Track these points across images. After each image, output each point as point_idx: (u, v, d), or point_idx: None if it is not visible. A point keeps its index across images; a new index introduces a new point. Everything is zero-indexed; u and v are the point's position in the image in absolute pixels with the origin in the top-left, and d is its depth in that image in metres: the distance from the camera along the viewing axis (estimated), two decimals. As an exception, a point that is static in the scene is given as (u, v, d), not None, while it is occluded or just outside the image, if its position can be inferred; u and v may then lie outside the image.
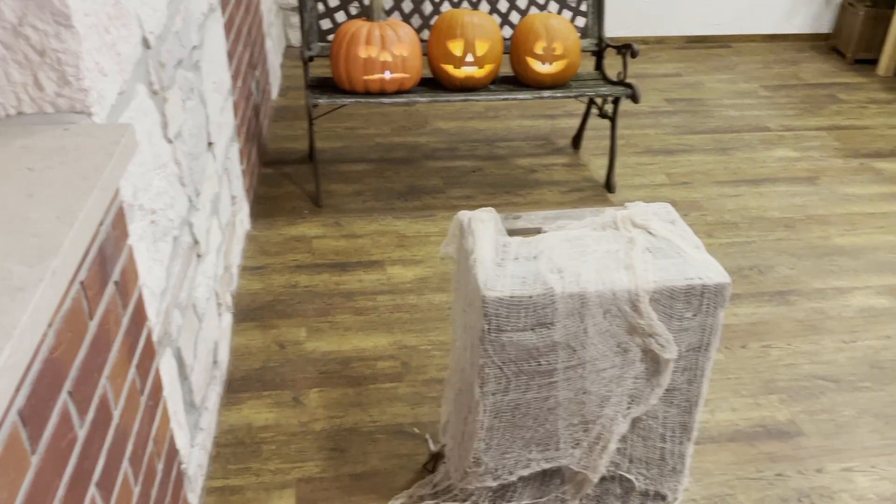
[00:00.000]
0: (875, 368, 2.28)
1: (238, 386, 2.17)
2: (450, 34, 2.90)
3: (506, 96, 2.94)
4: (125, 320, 1.31)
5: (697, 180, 3.32)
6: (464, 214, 1.72)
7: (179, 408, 1.73)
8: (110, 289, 1.24)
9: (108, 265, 1.22)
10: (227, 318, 2.34)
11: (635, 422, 1.68)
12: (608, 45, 3.19)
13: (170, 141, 1.73)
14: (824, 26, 5.04)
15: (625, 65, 3.08)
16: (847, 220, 3.05)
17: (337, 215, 3.00)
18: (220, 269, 2.26)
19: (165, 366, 1.62)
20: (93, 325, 1.15)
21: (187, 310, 1.84)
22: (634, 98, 2.99)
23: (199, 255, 1.99)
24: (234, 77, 2.69)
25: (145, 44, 1.59)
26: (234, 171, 2.61)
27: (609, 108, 3.20)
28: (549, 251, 1.59)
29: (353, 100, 2.87)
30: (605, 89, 3.02)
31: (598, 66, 3.27)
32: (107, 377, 1.20)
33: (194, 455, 1.80)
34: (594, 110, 3.35)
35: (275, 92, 4.00)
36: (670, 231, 1.67)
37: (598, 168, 3.39)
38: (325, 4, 3.09)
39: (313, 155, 3.40)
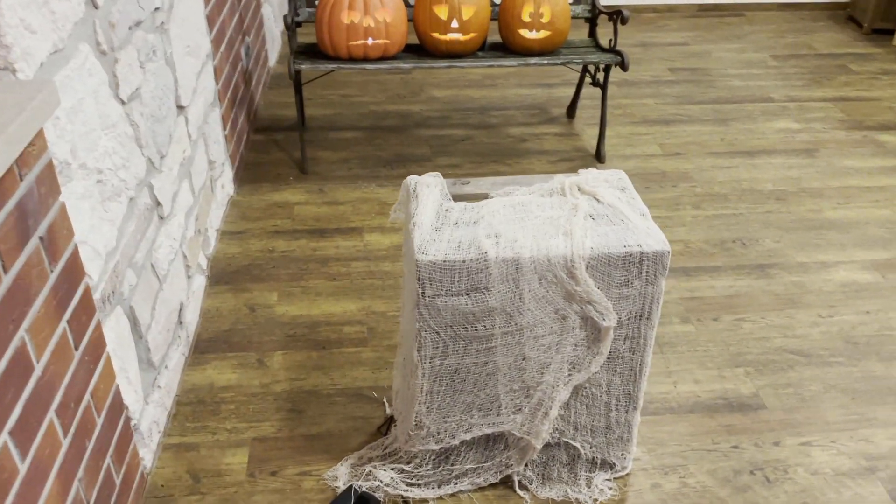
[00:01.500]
0: (849, 343, 2.24)
1: (205, 347, 2.20)
2: (435, 0, 2.87)
3: (490, 63, 2.90)
4: (53, 276, 1.33)
5: (691, 151, 3.26)
6: (411, 179, 1.72)
7: (133, 365, 1.76)
8: (32, 244, 1.26)
9: (28, 220, 1.24)
10: (200, 281, 2.37)
11: (578, 389, 1.67)
12: (601, 12, 3.13)
13: (123, 102, 1.75)
14: (843, -5, 4.89)
15: (615, 31, 3.02)
16: (842, 193, 2.97)
17: (321, 182, 3.00)
18: (191, 231, 2.28)
19: (113, 323, 1.65)
20: (7, 279, 1.17)
21: (144, 270, 1.86)
22: (623, 66, 2.93)
23: (161, 217, 2.02)
24: (216, 42, 2.69)
25: (92, 3, 1.60)
26: (213, 135, 2.62)
27: (602, 76, 3.14)
28: (489, 216, 1.58)
29: (335, 66, 2.86)
30: (594, 56, 2.96)
31: (592, 34, 3.22)
32: (26, 329, 1.23)
33: (149, 412, 1.84)
34: (588, 79, 3.29)
35: (273, 59, 4.00)
36: (618, 198, 1.65)
37: (590, 138, 3.34)
38: (314, -31, 3.07)
39: (304, 122, 3.41)
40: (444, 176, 3.02)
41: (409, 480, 1.76)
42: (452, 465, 1.76)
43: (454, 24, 2.87)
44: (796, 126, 3.47)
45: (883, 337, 2.26)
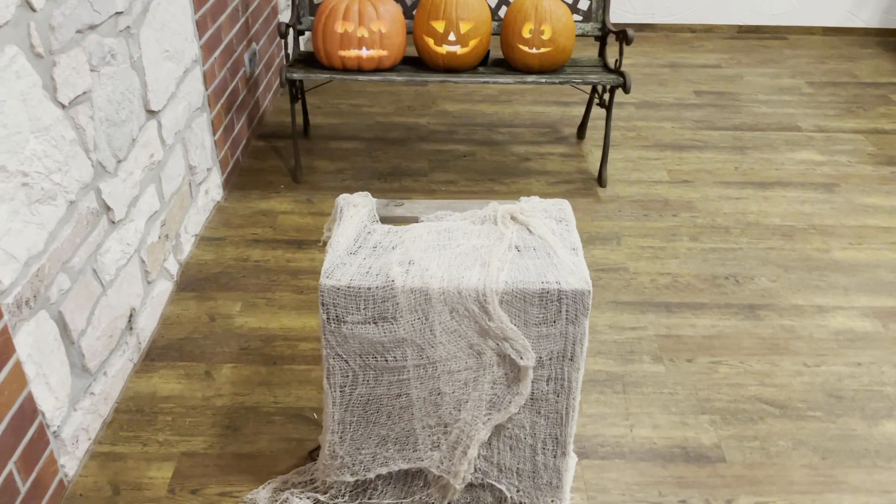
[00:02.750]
0: (832, 397, 2.07)
1: (156, 354, 2.18)
2: (433, 12, 2.81)
3: (486, 79, 2.82)
4: (-58, 279, 1.31)
5: (700, 179, 3.10)
6: (342, 198, 1.65)
7: (57, 370, 1.74)
8: (-88, 247, 1.24)
9: None
10: (164, 286, 2.36)
11: (500, 429, 1.58)
12: (609, 31, 3.01)
13: (63, 105, 1.73)
14: (895, 21, 4.62)
15: (620, 52, 2.90)
16: (856, 232, 2.78)
17: (311, 192, 2.97)
18: (154, 237, 2.27)
19: (32, 328, 1.63)
20: None
21: (82, 274, 1.85)
22: (625, 88, 2.81)
23: (112, 222, 2.00)
24: (207, 48, 2.69)
25: (28, 5, 1.59)
26: (196, 140, 2.61)
27: (608, 97, 3.03)
28: (410, 242, 1.51)
29: (328, 76, 2.82)
30: (595, 77, 2.85)
31: (601, 53, 3.10)
32: None
33: (75, 418, 1.81)
34: (596, 99, 3.18)
35: (290, 65, 4.00)
36: (551, 230, 1.55)
37: (596, 160, 3.22)
38: (318, -23, 3.05)
39: (307, 130, 3.39)
40: (438, 193, 2.95)
41: (325, 511, 1.69)
42: (370, 498, 1.68)
43: (451, 37, 2.80)
44: (819, 158, 3.28)
45: (871, 392, 2.09)
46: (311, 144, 3.32)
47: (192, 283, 2.46)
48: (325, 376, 1.52)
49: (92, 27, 1.85)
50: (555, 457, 1.62)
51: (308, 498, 1.71)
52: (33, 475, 1.63)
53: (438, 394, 1.52)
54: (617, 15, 4.58)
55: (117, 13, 1.98)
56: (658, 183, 3.07)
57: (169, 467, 1.84)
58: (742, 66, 4.21)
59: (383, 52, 2.81)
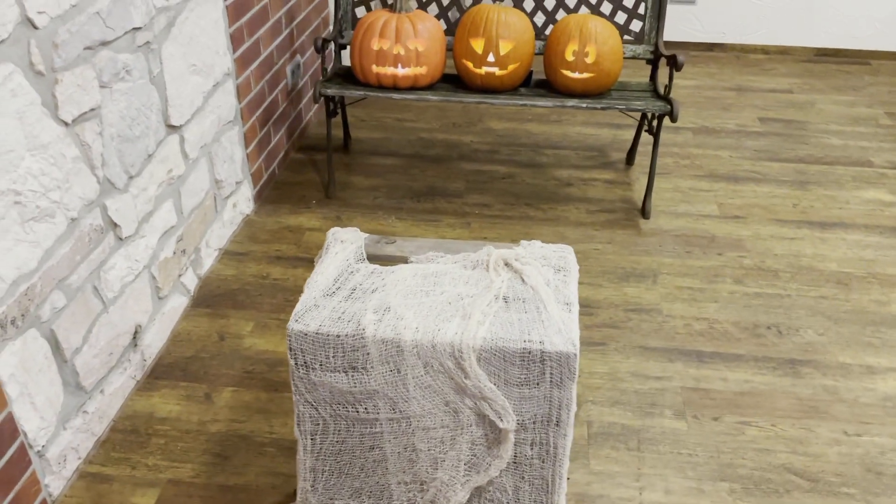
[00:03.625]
0: (870, 472, 1.87)
1: (161, 372, 2.15)
2: (473, 31, 2.71)
3: (524, 102, 2.70)
4: None
5: (753, 215, 2.90)
6: (331, 232, 1.58)
7: (48, 389, 1.73)
8: None
9: None
10: (179, 301, 2.33)
11: (480, 492, 1.47)
12: (661, 55, 2.85)
13: (66, 123, 1.72)
14: None
15: (670, 77, 2.74)
16: (922, 284, 2.54)
17: (342, 209, 2.91)
18: (168, 252, 2.25)
19: (18, 347, 1.61)
20: None
21: (81, 292, 1.83)
22: (671, 116, 2.65)
23: (120, 238, 1.98)
24: (242, 61, 2.66)
25: (29, 23, 1.57)
26: (224, 154, 2.59)
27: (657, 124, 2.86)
28: (392, 286, 1.42)
29: (362, 92, 2.76)
30: (640, 103, 2.69)
31: (653, 77, 2.94)
32: None
33: (64, 438, 1.79)
34: (646, 126, 3.01)
35: (341, 76, 3.97)
36: (545, 282, 1.43)
37: (642, 189, 3.06)
38: (362, -9, 3.00)
39: (347, 144, 3.35)
40: (470, 216, 2.85)
41: (298, 557, 1.62)
42: (344, 549, 1.60)
43: (490, 58, 2.69)
44: (890, 198, 3.02)
45: (917, 471, 1.88)
46: (350, 159, 3.27)
47: (209, 298, 2.43)
48: (295, 423, 1.44)
49: (104, 43, 1.83)
50: (541, 524, 1.49)
51: (283, 542, 1.63)
52: (10, 496, 1.62)
53: (413, 450, 1.42)
54: (683, 33, 4.38)
55: (134, 29, 1.96)
56: (706, 217, 2.89)
57: (153, 494, 1.80)
58: (815, 93, 3.94)
59: (420, 70, 2.73)
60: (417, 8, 2.92)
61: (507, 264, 1.47)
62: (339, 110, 3.04)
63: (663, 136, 3.46)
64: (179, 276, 2.34)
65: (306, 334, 1.33)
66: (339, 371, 1.35)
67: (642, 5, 2.89)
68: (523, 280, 1.44)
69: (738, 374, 2.17)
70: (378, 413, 1.39)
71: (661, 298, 2.46)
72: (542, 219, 2.87)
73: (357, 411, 1.39)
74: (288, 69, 3.15)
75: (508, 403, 1.34)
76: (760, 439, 1.96)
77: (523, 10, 2.95)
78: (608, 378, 2.15)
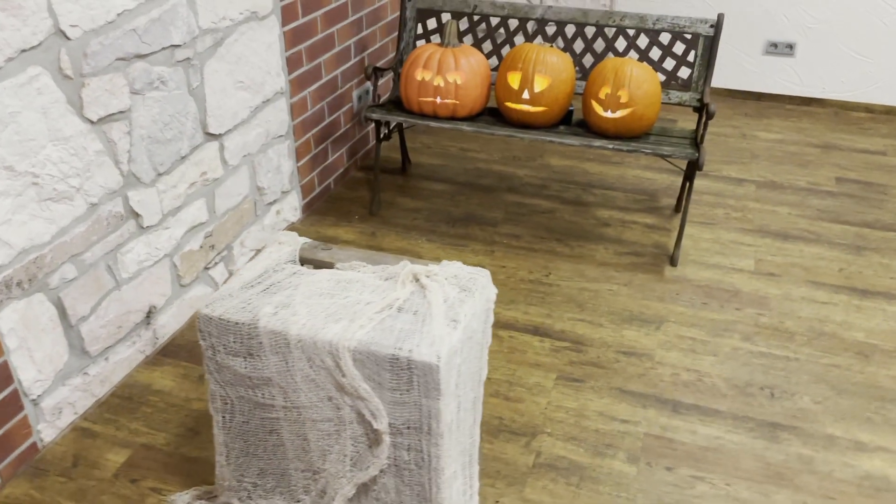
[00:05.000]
0: (816, 549, 1.77)
1: (169, 351, 2.39)
2: (511, 66, 2.81)
3: (553, 139, 2.76)
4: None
5: (790, 275, 2.78)
6: (273, 235, 1.74)
7: (51, 348, 1.99)
8: None
9: None
10: (203, 291, 2.58)
11: (367, 489, 1.56)
12: (706, 104, 2.81)
13: (91, 121, 2.00)
14: None
15: (704, 126, 2.70)
16: (956, 366, 2.34)
17: (379, 226, 3.09)
18: (195, 246, 2.50)
19: (22, 306, 1.89)
20: None
21: (94, 268, 2.10)
22: (698, 164, 2.62)
23: (142, 227, 2.25)
24: (299, 83, 2.91)
25: (62, 35, 1.86)
26: (269, 165, 2.84)
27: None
28: (305, 286, 1.55)
29: (403, 118, 2.93)
30: (668, 149, 2.68)
31: (698, 125, 2.90)
32: None
33: (61, 392, 2.06)
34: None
35: (422, 105, 4.17)
36: (444, 298, 1.51)
37: (683, 238, 3.01)
38: (425, 26, 3.18)
39: (406, 167, 3.53)
40: (497, 244, 2.93)
41: (219, 527, 1.77)
42: (256, 526, 1.73)
43: (525, 94, 2.78)
44: (954, 273, 2.80)
45: (869, 556, 1.76)
46: (404, 181, 3.44)
47: (233, 293, 2.66)
48: (209, 400, 1.60)
49: (139, 56, 2.12)
50: (424, 531, 1.56)
51: (210, 511, 1.79)
52: (0, 431, 1.89)
53: (305, 439, 1.54)
54: (780, 85, 4.23)
55: (173, 46, 2.23)
56: (738, 271, 2.80)
57: (125, 454, 2.02)
58: (912, 157, 3.69)
59: (457, 102, 2.86)
60: (471, 45, 3.06)
61: (416, 279, 1.56)
62: (390, 135, 3.23)
63: (720, 186, 3.38)
64: (206, 268, 2.59)
65: (211, 318, 1.49)
66: (239, 356, 1.50)
67: (692, 53, 2.87)
68: (424, 294, 1.53)
69: (710, 429, 2.11)
70: (274, 400, 1.52)
71: (658, 345, 2.43)
72: (567, 255, 2.90)
73: (256, 396, 1.53)
74: (354, 94, 3.38)
75: (382, 406, 1.43)
76: (708, 496, 1.91)
77: (573, 51, 3.02)
78: (573, 414, 2.16)
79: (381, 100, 3.63)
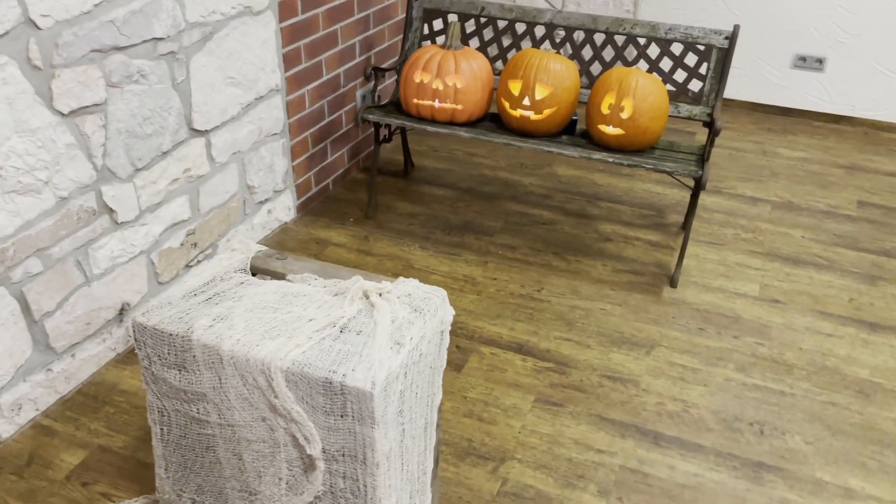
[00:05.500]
0: None
1: (142, 350, 2.34)
2: (513, 72, 2.72)
3: (552, 149, 2.66)
4: None
5: (796, 302, 2.64)
6: (225, 242, 1.66)
7: (11, 343, 1.95)
8: None
9: None
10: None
11: (303, 515, 1.48)
12: (713, 119, 2.68)
13: (62, 113, 1.95)
14: None
15: (710, 142, 2.57)
16: (965, 412, 2.19)
17: (373, 230, 3.01)
18: (175, 243, 2.45)
19: (-20, 300, 1.85)
20: None
21: (61, 262, 2.05)
22: (700, 182, 2.49)
23: (116, 222, 2.20)
24: (296, 80, 2.85)
25: (32, 24, 1.82)
26: (261, 163, 2.78)
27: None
28: (249, 298, 1.48)
29: (400, 121, 2.85)
30: (671, 164, 2.56)
31: (708, 140, 2.77)
32: None
33: (21, 388, 2.02)
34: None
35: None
36: (392, 319, 1.43)
37: (687, 258, 2.88)
38: (431, 27, 3.09)
39: (408, 170, 3.45)
40: (491, 255, 2.84)
41: (160, 540, 1.71)
42: (196, 542, 1.67)
43: (526, 101, 2.68)
44: (973, 309, 2.63)
45: None
46: (405, 184, 3.36)
47: (215, 292, 2.61)
48: (148, 411, 1.54)
49: (118, 48, 2.06)
50: (361, 562, 1.48)
51: (153, 523, 1.73)
52: (-49, 427, 1.85)
53: (240, 459, 1.47)
54: (808, 101, 4.06)
55: (155, 39, 2.18)
56: (741, 297, 2.67)
57: (81, 454, 1.98)
58: (941, 182, 3.51)
59: (457, 107, 2.77)
60: (477, 48, 2.97)
61: (366, 296, 1.48)
62: (391, 137, 3.15)
63: (733, 205, 3.24)
64: (188, 266, 2.53)
65: (145, 328, 1.43)
66: (173, 368, 1.44)
67: (704, 65, 2.74)
68: (372, 314, 1.44)
69: (690, 465, 2.00)
70: (209, 416, 1.45)
71: (647, 371, 2.32)
72: (562, 269, 2.79)
73: (191, 410, 1.46)
74: (358, 93, 3.31)
75: (315, 430, 1.35)
76: (680, 539, 1.80)
77: (581, 57, 2.92)
78: (548, 440, 2.06)
79: (384, 101, 3.56)
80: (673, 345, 2.43)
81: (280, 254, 1.64)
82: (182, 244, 2.49)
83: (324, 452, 1.38)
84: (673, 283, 2.71)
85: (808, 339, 2.47)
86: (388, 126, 3.05)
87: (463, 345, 2.41)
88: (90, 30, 1.97)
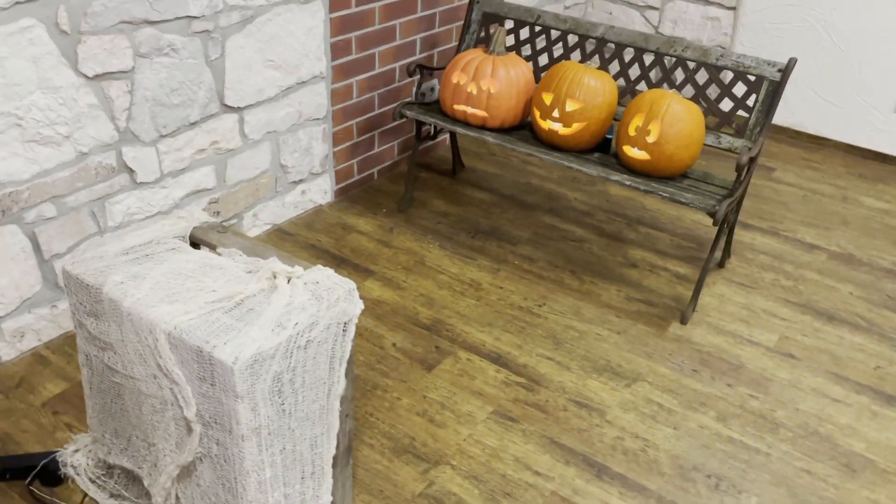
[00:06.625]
0: None
1: (148, 302, 2.52)
2: (548, 83, 2.68)
3: (570, 164, 2.61)
4: None
5: (812, 360, 2.45)
6: (178, 211, 1.77)
7: (19, 277, 2.17)
8: None
9: None
10: (201, 254, 2.70)
11: (189, 472, 1.57)
12: (752, 156, 2.53)
13: (87, 76, 2.14)
14: None
15: (737, 179, 2.43)
16: (963, 509, 1.97)
17: (400, 223, 3.07)
18: (198, 209, 2.61)
19: (-8, 234, 2.08)
20: None
21: (75, 211, 2.25)
22: (714, 219, 2.37)
23: (136, 182, 2.39)
24: (344, 70, 2.95)
25: (62, -8, 2.01)
26: (299, 145, 2.90)
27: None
28: (169, 263, 1.58)
29: (433, 120, 2.88)
30: (688, 196, 2.44)
31: (746, 174, 2.62)
32: None
33: (25, 318, 2.24)
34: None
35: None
36: (288, 303, 1.48)
37: (711, 296, 2.74)
38: (488, 31, 3.11)
39: (455, 169, 3.48)
40: (506, 263, 2.83)
41: (92, 475, 1.85)
42: (116, 483, 1.80)
43: (555, 113, 2.65)
44: None
45: None
46: (449, 184, 3.40)
47: (233, 260, 2.76)
48: (77, 351, 1.67)
49: (149, 22, 2.23)
50: (235, 528, 1.55)
51: (91, 459, 1.88)
52: (-46, 342, 2.09)
53: (140, 410, 1.58)
54: (874, 141, 3.72)
55: (189, 17, 2.34)
56: (753, 345, 2.51)
57: (63, 386, 2.17)
58: None
59: (486, 114, 2.77)
60: (527, 56, 2.95)
61: (274, 276, 1.54)
62: (436, 135, 3.20)
63: (785, 248, 3.04)
64: (209, 232, 2.69)
65: (70, 275, 1.56)
66: (91, 316, 1.56)
67: (753, 97, 2.58)
68: (271, 294, 1.50)
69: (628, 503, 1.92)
70: (116, 366, 1.57)
71: (618, 404, 2.24)
72: (573, 289, 2.74)
73: (104, 358, 1.58)
74: (414, 89, 3.37)
75: (191, 394, 1.43)
76: (583, 576, 1.74)
77: (627, 76, 2.84)
78: (489, 453, 2.05)
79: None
80: (657, 382, 2.33)
81: (221, 227, 1.73)
82: (204, 210, 2.65)
83: (200, 417, 1.45)
84: (683, 319, 2.59)
85: (810, 400, 2.30)
86: (433, 124, 3.10)
87: (444, 346, 2.43)
88: (120, 2, 2.14)
